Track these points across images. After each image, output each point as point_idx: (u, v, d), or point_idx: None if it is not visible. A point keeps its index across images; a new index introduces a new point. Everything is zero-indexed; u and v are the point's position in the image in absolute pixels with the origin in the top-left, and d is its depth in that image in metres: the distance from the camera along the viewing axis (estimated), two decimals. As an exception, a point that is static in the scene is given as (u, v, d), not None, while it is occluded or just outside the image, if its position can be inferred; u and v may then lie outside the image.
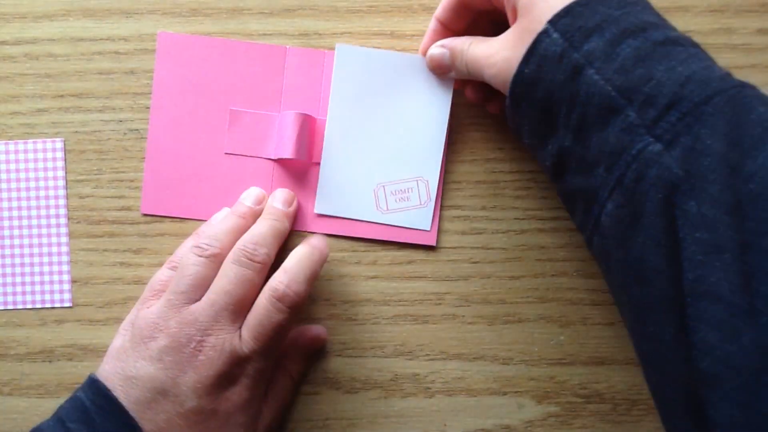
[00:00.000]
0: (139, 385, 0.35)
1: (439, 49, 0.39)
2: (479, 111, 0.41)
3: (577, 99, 0.31)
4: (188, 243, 0.40)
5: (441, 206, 0.42)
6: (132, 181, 0.42)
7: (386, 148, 0.41)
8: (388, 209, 0.41)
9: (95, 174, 0.42)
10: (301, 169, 0.41)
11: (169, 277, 0.38)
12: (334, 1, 0.42)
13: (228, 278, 0.36)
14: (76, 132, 0.42)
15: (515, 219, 0.42)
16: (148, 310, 0.37)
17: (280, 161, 0.41)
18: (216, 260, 0.37)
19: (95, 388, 0.35)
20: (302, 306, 0.37)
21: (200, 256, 0.37)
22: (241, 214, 0.39)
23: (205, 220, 0.41)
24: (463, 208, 0.42)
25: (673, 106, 0.29)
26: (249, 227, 0.39)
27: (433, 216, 0.41)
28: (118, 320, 0.41)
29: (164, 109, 0.41)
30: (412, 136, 0.41)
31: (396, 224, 0.41)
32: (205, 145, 0.41)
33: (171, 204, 0.41)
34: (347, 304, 0.42)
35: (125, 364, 0.35)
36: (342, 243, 0.42)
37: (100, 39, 0.41)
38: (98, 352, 0.41)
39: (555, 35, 0.31)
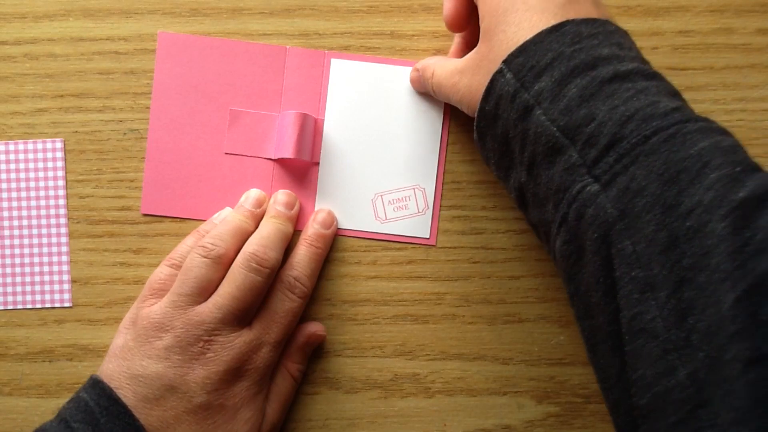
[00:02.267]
0: (146, 383, 0.35)
1: (415, 72, 0.40)
2: (479, 111, 0.41)
3: (527, 138, 0.31)
4: (188, 241, 0.40)
5: (441, 206, 0.42)
6: (132, 181, 0.42)
7: (383, 158, 0.41)
8: (386, 218, 0.41)
9: (95, 174, 0.42)
10: (301, 169, 0.41)
11: (168, 275, 0.38)
12: (334, 1, 0.42)
13: (236, 284, 0.36)
14: (76, 132, 0.42)
15: (515, 219, 0.42)
16: (150, 309, 0.37)
17: (280, 161, 0.41)
18: (221, 261, 0.37)
19: (99, 389, 0.35)
20: (309, 296, 0.40)
21: (205, 257, 0.37)
22: (243, 216, 0.39)
23: (205, 221, 0.41)
24: (463, 208, 0.42)
25: (613, 146, 0.29)
26: (251, 229, 0.39)
27: (432, 224, 0.41)
28: (118, 320, 0.41)
29: (164, 109, 0.41)
30: (408, 145, 0.41)
31: (396, 233, 0.41)
32: (205, 145, 0.41)
33: (171, 204, 0.41)
34: (347, 304, 0.42)
35: (131, 363, 0.36)
36: (342, 243, 0.42)
37: (100, 39, 0.41)
38: (98, 352, 0.41)
39: (509, 75, 0.32)
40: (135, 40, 0.41)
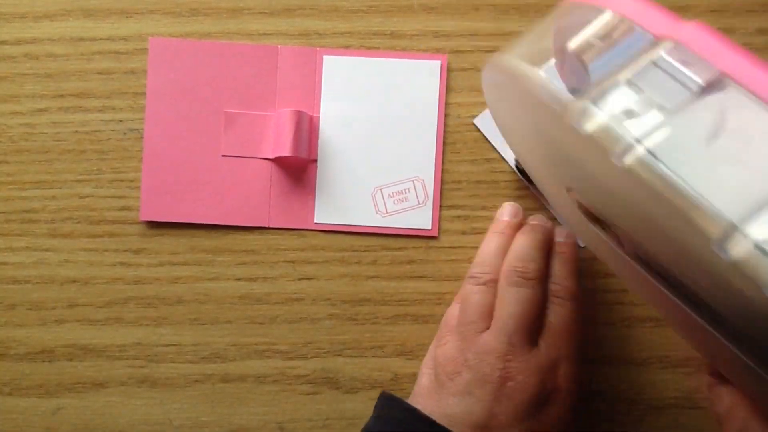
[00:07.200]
0: (458, 422, 0.34)
1: None
2: (478, 111, 0.41)
3: None
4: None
5: (441, 206, 0.42)
6: (132, 181, 0.42)
7: (380, 152, 0.41)
8: (387, 212, 0.41)
9: (95, 174, 0.42)
10: (299, 167, 0.41)
11: (454, 313, 0.38)
12: (334, 1, 0.42)
13: (508, 301, 0.36)
14: (76, 132, 0.42)
15: (515, 219, 0.42)
16: (445, 346, 0.37)
17: (278, 160, 0.41)
18: (494, 285, 0.37)
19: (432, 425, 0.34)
20: (578, 296, 0.37)
21: (477, 285, 0.37)
22: (500, 230, 0.39)
23: (205, 224, 0.41)
24: (463, 208, 0.42)
25: None
26: (507, 242, 0.38)
27: (433, 214, 0.41)
28: (119, 320, 0.41)
29: (159, 115, 0.41)
30: (404, 137, 0.41)
31: (397, 226, 0.41)
32: (202, 149, 0.41)
33: (170, 209, 0.41)
34: (347, 304, 0.42)
35: (440, 403, 0.35)
36: (342, 243, 0.42)
37: (100, 39, 0.42)
38: (98, 352, 0.41)
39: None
40: (135, 40, 0.41)
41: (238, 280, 0.42)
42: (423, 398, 0.36)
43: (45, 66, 0.41)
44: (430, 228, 0.41)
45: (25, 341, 0.41)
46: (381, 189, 0.41)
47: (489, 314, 0.36)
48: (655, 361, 0.41)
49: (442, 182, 0.42)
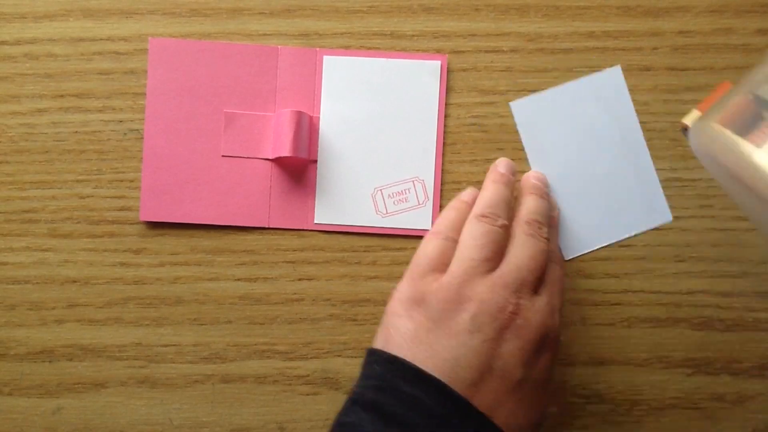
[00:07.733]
0: (464, 365, 0.32)
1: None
2: (478, 111, 0.41)
3: None
4: (450, 214, 0.38)
5: (441, 207, 0.42)
6: (132, 181, 0.42)
7: (381, 152, 0.41)
8: (387, 212, 0.41)
9: (95, 174, 0.42)
10: (299, 168, 0.41)
11: (442, 248, 0.36)
12: (334, 1, 0.42)
13: (527, 248, 0.35)
14: (76, 132, 0.42)
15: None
16: (441, 282, 0.35)
17: (278, 161, 0.41)
18: (506, 230, 0.36)
19: (428, 383, 0.32)
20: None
21: (494, 225, 0.36)
22: (503, 182, 0.39)
23: (205, 225, 0.41)
24: (463, 208, 0.42)
25: None
26: (510, 194, 0.39)
27: (433, 215, 0.41)
28: (119, 320, 0.41)
29: (159, 115, 0.41)
30: (404, 137, 0.41)
31: (397, 226, 0.41)
32: (202, 149, 0.41)
33: (170, 209, 0.41)
34: (347, 304, 0.42)
35: (436, 346, 0.33)
36: (342, 243, 0.42)
37: (100, 39, 0.42)
38: (98, 352, 0.41)
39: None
40: (135, 40, 0.41)
41: (238, 280, 0.42)
42: (414, 345, 0.33)
43: (45, 66, 0.41)
44: (430, 229, 0.41)
45: (25, 341, 0.41)
46: (381, 189, 0.41)
47: (501, 254, 0.36)
48: (655, 361, 0.41)
49: (442, 183, 0.42)
